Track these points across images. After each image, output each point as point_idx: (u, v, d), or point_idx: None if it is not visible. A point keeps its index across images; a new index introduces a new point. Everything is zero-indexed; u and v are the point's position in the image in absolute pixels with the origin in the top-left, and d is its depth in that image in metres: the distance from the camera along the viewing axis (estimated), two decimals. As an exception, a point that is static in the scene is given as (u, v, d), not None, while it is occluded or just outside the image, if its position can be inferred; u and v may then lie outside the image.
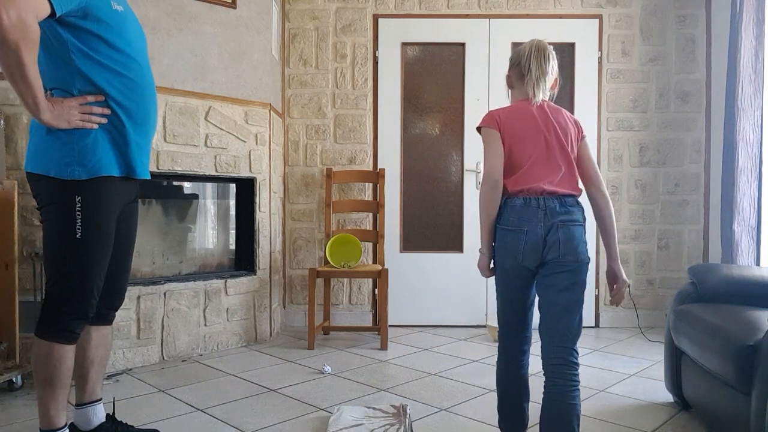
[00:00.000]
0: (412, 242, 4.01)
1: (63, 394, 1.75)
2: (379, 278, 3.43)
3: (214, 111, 3.26)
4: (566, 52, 3.91)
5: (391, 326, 3.85)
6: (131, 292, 2.91)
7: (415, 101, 4.00)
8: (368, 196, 3.97)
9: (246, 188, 3.52)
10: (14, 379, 2.51)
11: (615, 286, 1.79)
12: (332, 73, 3.97)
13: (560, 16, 3.93)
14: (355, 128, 3.97)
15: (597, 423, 2.24)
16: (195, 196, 3.46)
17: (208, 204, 3.54)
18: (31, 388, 2.51)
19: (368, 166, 3.97)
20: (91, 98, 1.71)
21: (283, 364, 3.06)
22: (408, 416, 2.23)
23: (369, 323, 3.96)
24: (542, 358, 1.69)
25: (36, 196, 1.77)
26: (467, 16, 3.95)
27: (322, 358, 3.15)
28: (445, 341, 3.57)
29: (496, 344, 1.88)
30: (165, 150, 3.06)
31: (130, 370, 2.91)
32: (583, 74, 3.94)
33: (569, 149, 1.73)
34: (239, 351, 3.31)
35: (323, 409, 2.37)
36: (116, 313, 2.01)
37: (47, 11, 1.55)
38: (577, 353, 1.66)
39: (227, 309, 3.34)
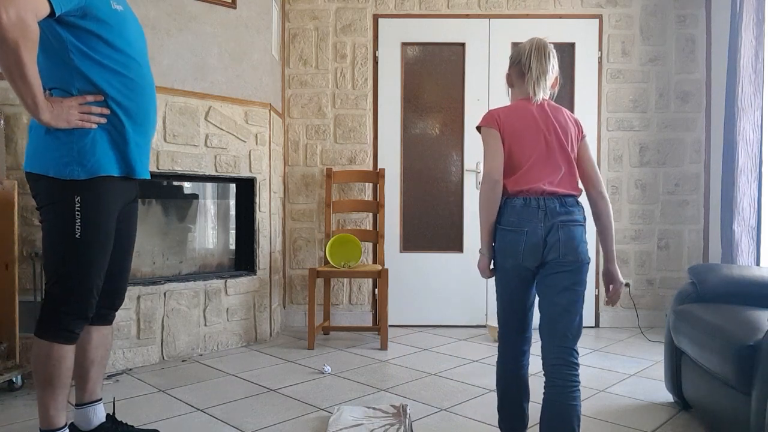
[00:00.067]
0: (412, 242, 4.01)
1: (63, 394, 1.75)
2: (379, 278, 3.43)
3: (214, 111, 3.26)
4: (566, 52, 3.91)
5: (391, 326, 3.85)
6: (131, 292, 2.91)
7: (415, 101, 4.00)
8: (368, 196, 3.97)
9: (246, 188, 3.52)
10: (14, 379, 2.51)
11: (611, 286, 1.79)
12: (332, 73, 3.97)
13: (560, 16, 3.93)
14: (355, 128, 3.97)
15: (597, 423, 2.24)
16: (195, 196, 3.46)
17: (208, 204, 3.54)
18: (31, 388, 2.51)
19: (368, 166, 3.97)
20: (90, 98, 1.70)
21: (283, 364, 3.06)
22: (408, 416, 2.23)
23: (369, 323, 3.96)
24: (542, 359, 1.69)
25: (35, 196, 1.77)
26: (467, 16, 3.95)
27: (322, 358, 3.15)
28: (445, 341, 3.57)
29: (496, 344, 1.88)
30: (165, 150, 3.06)
31: (130, 370, 2.91)
32: (583, 74, 3.94)
33: (569, 149, 1.73)
34: (239, 351, 3.31)
35: (323, 409, 2.37)
36: (116, 313, 2.01)
37: (47, 11, 1.54)
38: (578, 353, 1.66)
39: (227, 309, 3.34)
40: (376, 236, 3.82)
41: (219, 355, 3.20)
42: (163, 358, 3.07)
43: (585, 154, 1.78)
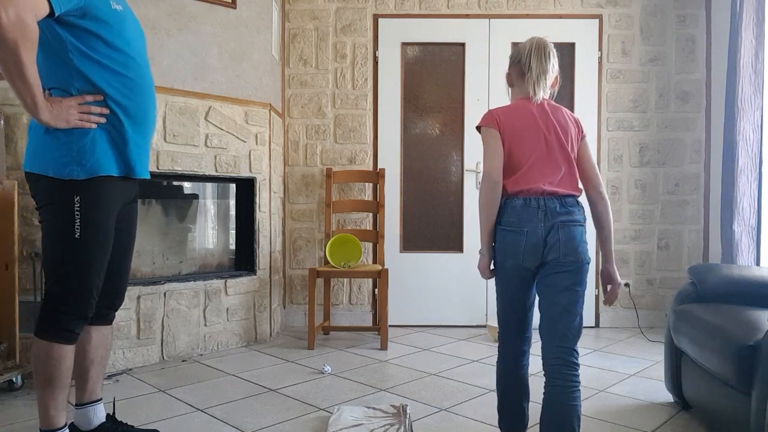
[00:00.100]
0: (412, 242, 4.01)
1: (63, 394, 1.75)
2: (379, 278, 3.43)
3: (214, 111, 3.26)
4: (566, 52, 3.91)
5: (391, 326, 3.85)
6: (131, 292, 2.91)
7: (415, 101, 4.00)
8: (368, 196, 3.97)
9: (246, 188, 3.52)
10: (14, 379, 2.51)
11: (609, 287, 1.79)
12: (332, 73, 3.97)
13: (560, 16, 3.93)
14: (355, 128, 3.97)
15: (597, 423, 2.23)
16: (195, 196, 3.46)
17: (208, 204, 3.54)
18: (31, 388, 2.51)
19: (368, 166, 3.97)
20: (89, 98, 1.70)
21: (283, 364, 3.06)
22: (408, 416, 2.23)
23: (369, 323, 3.96)
24: (542, 359, 1.69)
25: (35, 196, 1.77)
26: (467, 16, 3.95)
27: (322, 358, 3.15)
28: (445, 341, 3.57)
29: (496, 344, 1.88)
30: (165, 150, 3.06)
31: (130, 370, 2.91)
32: (583, 74, 3.94)
33: (569, 149, 1.72)
34: (239, 351, 3.31)
35: (323, 409, 2.37)
36: (116, 313, 2.01)
37: (46, 10, 1.54)
38: (578, 353, 1.66)
39: (227, 309, 3.34)
40: (376, 236, 3.82)
41: (219, 355, 3.20)
42: (163, 358, 3.07)
43: (585, 154, 1.77)
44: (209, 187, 3.51)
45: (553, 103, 1.79)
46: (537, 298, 1.75)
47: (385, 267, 3.61)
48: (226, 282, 3.33)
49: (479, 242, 1.78)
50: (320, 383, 2.72)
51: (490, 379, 2.47)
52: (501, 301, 1.79)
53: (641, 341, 3.57)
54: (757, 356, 1.72)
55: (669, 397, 2.50)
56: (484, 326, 3.90)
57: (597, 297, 3.94)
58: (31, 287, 2.64)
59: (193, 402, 2.45)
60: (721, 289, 2.30)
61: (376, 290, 3.92)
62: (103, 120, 1.73)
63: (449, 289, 3.96)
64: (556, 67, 1.77)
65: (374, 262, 3.95)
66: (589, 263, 1.69)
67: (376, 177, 3.85)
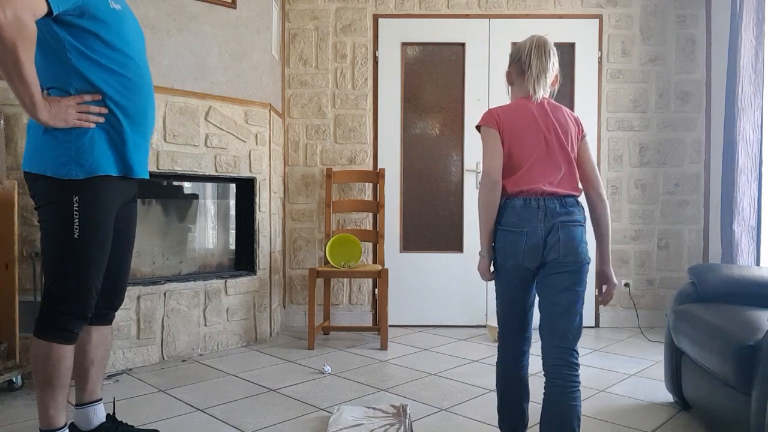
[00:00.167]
0: (412, 242, 4.01)
1: (62, 394, 1.75)
2: (379, 278, 3.43)
3: (214, 111, 3.26)
4: (566, 52, 3.91)
5: (391, 326, 3.85)
6: (131, 292, 2.91)
7: (415, 101, 4.00)
8: (368, 196, 3.97)
9: (246, 188, 3.52)
10: (14, 379, 2.51)
11: (605, 287, 1.79)
12: (332, 73, 3.97)
13: (560, 16, 3.93)
14: (355, 128, 3.97)
15: (597, 423, 2.23)
16: (195, 196, 3.46)
17: (208, 204, 3.54)
18: (31, 388, 2.51)
19: (368, 166, 3.97)
20: (88, 97, 1.70)
21: (283, 364, 3.06)
22: (408, 416, 2.23)
23: (369, 323, 3.96)
24: (542, 359, 1.69)
25: (33, 195, 1.76)
26: (467, 16, 3.95)
27: (322, 358, 3.15)
28: (445, 341, 3.57)
29: (496, 344, 1.87)
30: (165, 150, 3.06)
31: (130, 370, 2.91)
32: (583, 74, 3.94)
33: (569, 149, 1.72)
34: (239, 351, 3.31)
35: (323, 409, 2.37)
36: (116, 313, 2.01)
37: (44, 10, 1.54)
38: (578, 354, 1.66)
39: (227, 309, 3.34)
40: (376, 236, 3.82)
41: (219, 355, 3.20)
42: (163, 358, 3.07)
43: (585, 154, 1.77)
44: (209, 187, 3.51)
45: (554, 102, 1.78)
46: (537, 299, 1.75)
47: (385, 267, 3.61)
48: (226, 282, 3.33)
49: (479, 243, 1.78)
50: (320, 383, 2.72)
51: (490, 379, 2.47)
52: (501, 301, 1.79)
53: (641, 341, 3.57)
54: (757, 356, 1.72)
55: (669, 397, 2.50)
56: (484, 326, 3.90)
57: (597, 297, 3.93)
58: (31, 287, 2.64)
59: (193, 402, 2.45)
60: (721, 289, 2.30)
61: (376, 290, 3.92)
62: (101, 120, 1.72)
63: (449, 289, 3.96)
64: (557, 65, 1.76)
65: (374, 262, 3.95)
66: (589, 263, 1.69)
67: (376, 177, 3.85)
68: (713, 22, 3.86)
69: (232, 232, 3.58)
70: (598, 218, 1.77)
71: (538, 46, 1.73)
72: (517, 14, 3.93)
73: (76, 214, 1.70)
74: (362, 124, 3.97)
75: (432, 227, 4.01)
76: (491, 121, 1.72)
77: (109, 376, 2.75)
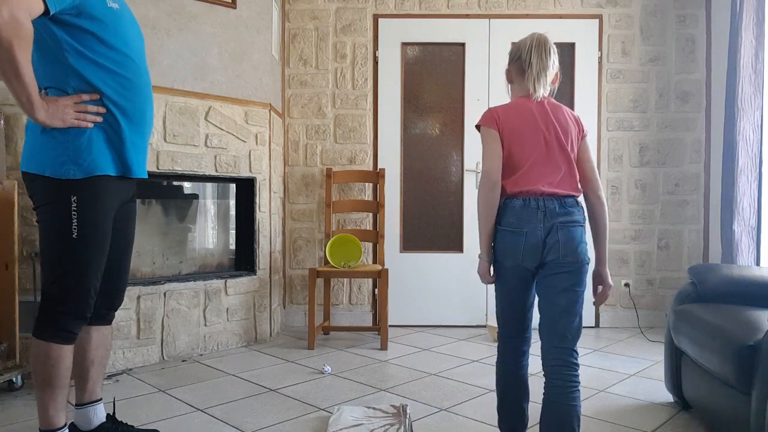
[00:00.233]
0: (412, 242, 4.01)
1: (62, 394, 1.75)
2: (379, 278, 3.43)
3: (214, 111, 3.26)
4: (566, 52, 3.91)
5: (391, 326, 3.85)
6: (131, 292, 2.91)
7: (415, 101, 4.00)
8: (368, 196, 3.97)
9: (246, 188, 3.52)
10: (14, 379, 2.51)
11: (600, 288, 1.79)
12: (332, 73, 3.97)
13: (560, 16, 3.93)
14: (355, 128, 3.97)
15: (597, 423, 2.23)
16: (195, 196, 3.46)
17: (208, 204, 3.54)
18: (31, 388, 2.50)
19: (368, 166, 3.97)
20: (86, 97, 1.70)
21: (283, 364, 3.06)
22: (408, 416, 2.23)
23: (369, 323, 3.96)
24: (542, 359, 1.69)
25: (32, 195, 1.76)
26: (467, 16, 3.95)
27: (322, 358, 3.15)
28: (445, 341, 3.57)
29: (496, 344, 1.87)
30: (165, 150, 3.06)
31: (130, 370, 2.91)
32: (583, 74, 3.94)
33: (569, 149, 1.71)
34: (239, 351, 3.31)
35: (323, 409, 2.37)
36: (116, 313, 2.01)
37: (41, 9, 1.54)
38: (577, 354, 1.66)
39: (227, 309, 3.34)
40: (376, 236, 3.82)
41: (219, 355, 3.20)
42: (163, 358, 3.07)
43: (585, 155, 1.76)
44: (209, 187, 3.51)
45: (554, 101, 1.78)
46: (536, 299, 1.75)
47: (385, 267, 3.61)
48: (226, 282, 3.33)
49: (478, 244, 1.77)
50: (320, 383, 2.72)
51: (490, 379, 2.47)
52: (500, 301, 1.79)
53: (641, 341, 3.57)
54: (757, 356, 1.72)
55: (669, 397, 2.50)
56: (484, 326, 3.90)
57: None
58: (30, 287, 2.64)
59: (193, 402, 2.45)
60: (721, 289, 2.30)
61: (376, 290, 3.92)
62: (99, 119, 1.72)
63: (449, 289, 3.96)
64: (557, 63, 1.76)
65: (374, 262, 3.95)
66: (588, 263, 1.68)
67: (376, 177, 3.85)
68: (713, 22, 3.86)
69: (232, 232, 3.58)
70: (596, 219, 1.76)
71: (539, 44, 1.73)
72: (517, 14, 3.93)
73: (74, 214, 1.70)
74: (362, 124, 3.97)
75: (432, 227, 4.01)
76: (491, 120, 1.72)
77: (109, 376, 2.75)
